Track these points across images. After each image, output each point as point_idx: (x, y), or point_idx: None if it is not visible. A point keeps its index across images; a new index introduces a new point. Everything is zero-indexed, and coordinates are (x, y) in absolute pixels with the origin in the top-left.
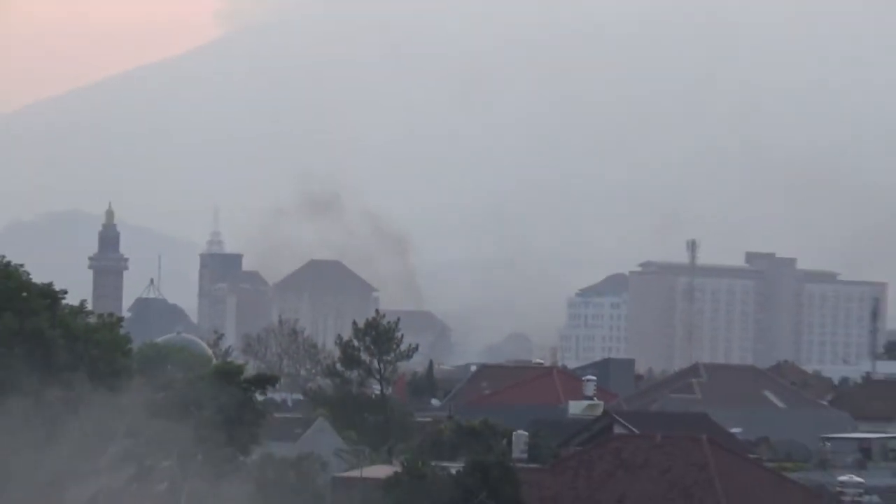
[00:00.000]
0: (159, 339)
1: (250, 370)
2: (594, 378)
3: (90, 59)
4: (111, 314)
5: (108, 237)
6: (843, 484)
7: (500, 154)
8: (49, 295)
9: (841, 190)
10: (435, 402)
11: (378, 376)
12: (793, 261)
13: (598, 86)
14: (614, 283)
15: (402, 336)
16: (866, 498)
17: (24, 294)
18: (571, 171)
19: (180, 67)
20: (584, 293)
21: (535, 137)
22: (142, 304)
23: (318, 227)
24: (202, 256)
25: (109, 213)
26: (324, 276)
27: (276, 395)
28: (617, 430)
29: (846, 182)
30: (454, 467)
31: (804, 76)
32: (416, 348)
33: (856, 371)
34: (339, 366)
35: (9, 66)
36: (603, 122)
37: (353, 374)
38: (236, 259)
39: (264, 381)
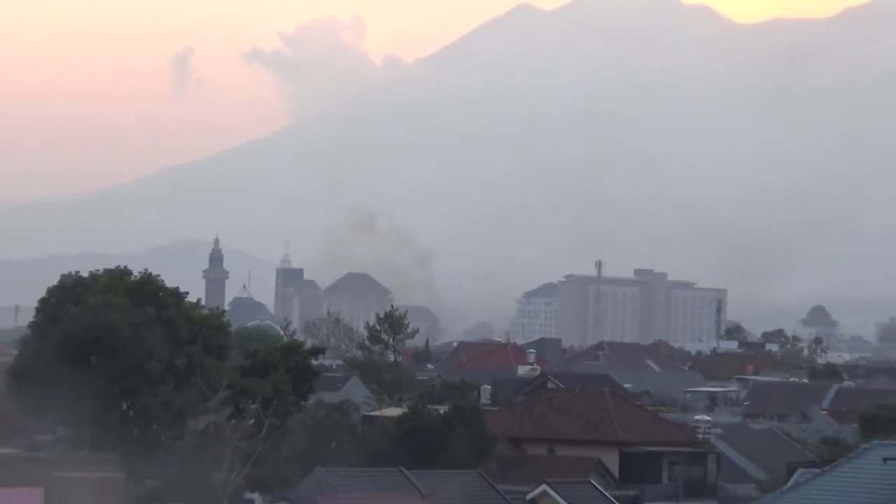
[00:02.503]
0: (248, 325)
1: (308, 345)
2: (534, 351)
3: (204, 140)
4: (217, 307)
5: (216, 257)
6: (697, 421)
7: (485, 199)
8: (176, 295)
9: (702, 227)
10: (430, 367)
11: (392, 349)
12: (664, 274)
13: (550, 154)
14: (548, 289)
15: (409, 323)
16: (713, 430)
17: (160, 293)
18: (530, 212)
19: (267, 144)
20: (528, 295)
21: (507, 188)
22: (237, 302)
23: (362, 244)
24: (277, 270)
25: (216, 241)
26: (357, 282)
27: (325, 361)
28: (549, 385)
29: (706, 221)
30: (442, 409)
31: (697, 146)
32: (417, 331)
33: (706, 347)
34: (366, 342)
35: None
36: (555, 177)
37: (376, 348)
38: (299, 272)
39: (316, 351)
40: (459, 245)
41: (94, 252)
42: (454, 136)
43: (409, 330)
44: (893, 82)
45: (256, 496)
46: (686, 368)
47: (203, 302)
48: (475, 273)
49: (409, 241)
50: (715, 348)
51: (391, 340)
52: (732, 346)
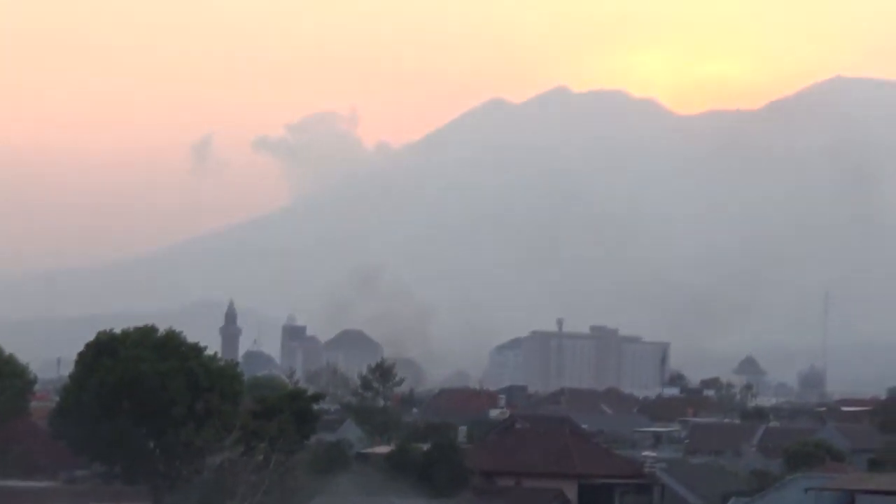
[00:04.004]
0: (258, 375)
1: (310, 392)
2: (504, 396)
3: (221, 214)
4: (232, 360)
5: (231, 316)
6: (644, 456)
7: (463, 263)
8: (196, 349)
9: (650, 287)
10: (415, 410)
11: (382, 396)
12: (616, 330)
13: (521, 223)
14: (516, 343)
15: (396, 373)
16: (658, 464)
17: (182, 348)
18: (503, 274)
19: (275, 218)
20: (499, 348)
21: (482, 252)
22: (249, 355)
23: (360, 302)
24: (283, 327)
25: (231, 302)
26: (352, 337)
27: (325, 406)
28: (517, 426)
29: (655, 281)
30: (425, 447)
31: (648, 216)
32: (404, 379)
33: (652, 393)
34: (360, 389)
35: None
36: (528, 243)
37: (368, 394)
38: (303, 329)
39: (317, 397)
40: (443, 302)
41: (126, 312)
42: (437, 209)
43: (397, 379)
44: (815, 164)
45: None
46: (635, 411)
47: (220, 355)
48: (455, 327)
49: (407, 298)
50: (660, 394)
51: (381, 388)
52: (675, 392)
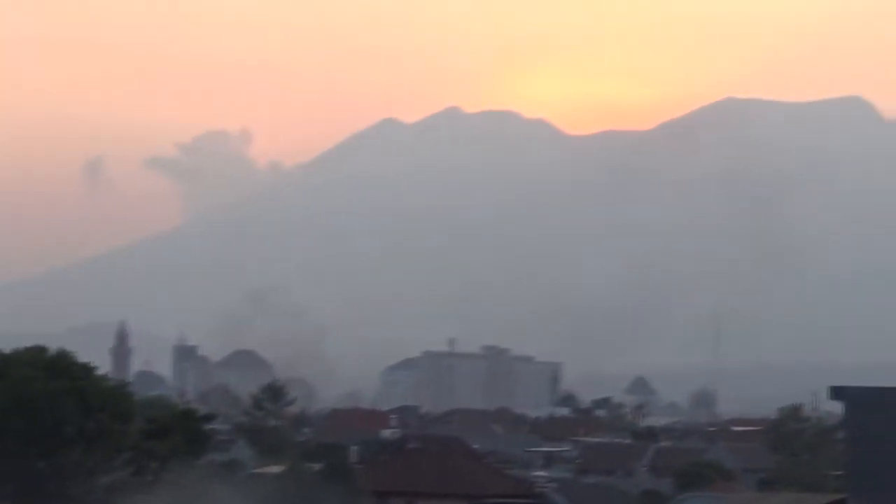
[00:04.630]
0: (150, 395)
1: (201, 412)
2: (396, 416)
3: (112, 234)
4: (122, 380)
5: (121, 336)
6: (536, 476)
7: (357, 282)
8: (87, 369)
9: (544, 308)
10: (306, 430)
11: (273, 415)
12: (508, 350)
13: (415, 244)
14: (408, 363)
15: (288, 392)
16: (549, 484)
17: (73, 368)
18: (399, 294)
19: (166, 238)
20: (391, 368)
21: (376, 274)
22: (140, 375)
23: (254, 322)
24: (174, 347)
25: (121, 323)
26: (243, 357)
27: (216, 426)
28: (409, 446)
29: (550, 303)
30: (317, 466)
31: (542, 238)
32: (296, 399)
33: (544, 413)
34: (251, 409)
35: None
36: (421, 263)
37: (260, 414)
38: (194, 349)
39: (208, 417)
40: (337, 321)
41: (15, 332)
42: (330, 229)
43: (289, 398)
44: (708, 184)
45: None
46: (526, 431)
47: (110, 375)
48: (348, 347)
49: (300, 317)
50: (551, 414)
51: (273, 408)
52: (566, 412)
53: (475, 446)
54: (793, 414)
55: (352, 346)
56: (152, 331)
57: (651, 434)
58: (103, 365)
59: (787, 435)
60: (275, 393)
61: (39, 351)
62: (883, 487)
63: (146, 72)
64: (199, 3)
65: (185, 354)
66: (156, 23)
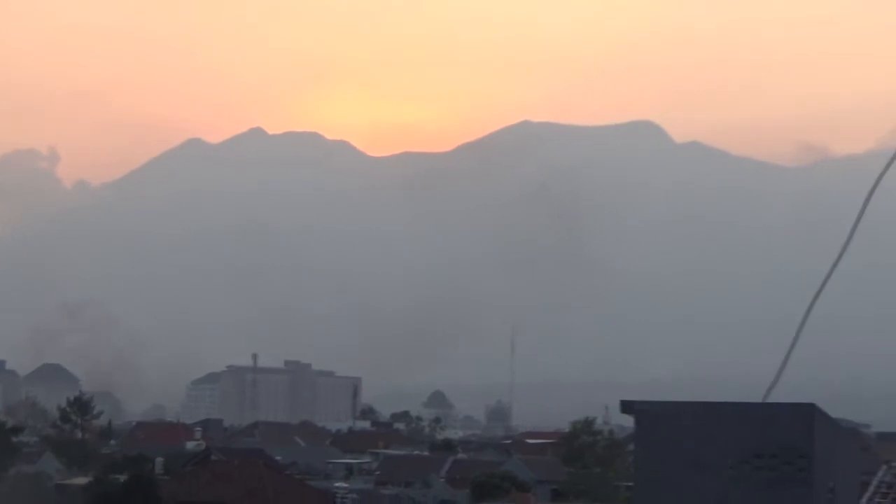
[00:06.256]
0: None
1: (9, 425)
2: (200, 429)
3: None
4: None
5: None
6: (337, 488)
7: (170, 296)
8: None
9: (348, 324)
10: (112, 442)
11: (80, 428)
12: (309, 364)
13: (220, 256)
14: (212, 377)
15: (94, 406)
16: (349, 495)
17: None
18: (203, 310)
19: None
20: (195, 382)
21: (186, 288)
22: None
23: (63, 336)
24: None
25: None
26: (51, 371)
27: (24, 438)
28: (213, 457)
29: (355, 318)
30: (122, 478)
31: (348, 257)
32: (102, 412)
33: (344, 426)
34: (58, 422)
35: None
36: (225, 280)
37: (66, 426)
38: (2, 363)
39: (16, 430)
40: (142, 335)
41: None
42: (137, 245)
43: (95, 411)
44: (506, 204)
45: None
46: (327, 444)
47: None
48: (153, 361)
49: (107, 332)
50: (351, 427)
51: (79, 420)
52: (366, 425)
53: (277, 458)
54: (585, 427)
55: (157, 360)
56: None
57: (448, 446)
58: None
59: (579, 447)
60: (82, 406)
61: None
62: (670, 497)
63: None
64: (7, 29)
65: None
66: None
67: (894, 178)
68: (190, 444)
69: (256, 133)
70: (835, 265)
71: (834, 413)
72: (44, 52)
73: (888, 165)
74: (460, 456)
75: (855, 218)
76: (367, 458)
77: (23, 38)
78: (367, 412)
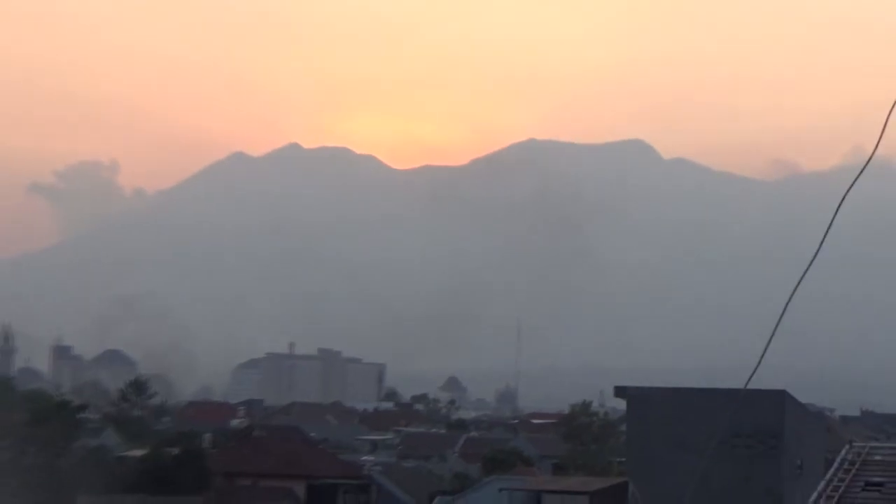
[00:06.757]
0: (30, 388)
1: (75, 403)
2: (244, 408)
3: None
4: (5, 375)
5: (7, 337)
6: (363, 461)
7: (215, 290)
8: None
9: (374, 315)
10: (166, 419)
11: (138, 406)
12: (340, 352)
13: (263, 257)
14: (254, 363)
15: (150, 387)
16: (375, 467)
17: None
18: (248, 303)
19: (42, 255)
20: (240, 367)
21: (233, 282)
22: (22, 372)
23: (123, 325)
24: (52, 347)
25: (6, 325)
26: (113, 355)
27: (88, 415)
28: (255, 433)
29: (379, 311)
30: (175, 451)
31: (373, 257)
32: (157, 393)
33: (370, 406)
34: (118, 401)
35: None
36: (267, 277)
37: (125, 405)
38: (69, 348)
39: (81, 408)
40: (195, 325)
41: None
42: (189, 245)
43: (151, 392)
44: (515, 212)
45: None
46: (356, 422)
47: None
48: (203, 347)
49: (163, 321)
50: (377, 407)
51: (137, 400)
52: (390, 405)
53: (312, 434)
54: (583, 409)
55: (206, 347)
56: (33, 333)
57: (462, 425)
58: None
59: (577, 427)
60: (139, 387)
61: None
62: (658, 472)
63: (28, 105)
64: (76, 54)
65: (62, 353)
66: (33, 58)
67: (859, 193)
68: (234, 422)
69: (293, 147)
70: (806, 270)
71: (803, 398)
72: (107, 74)
73: (853, 183)
74: (472, 434)
75: (823, 226)
76: (390, 435)
77: (89, 61)
78: (391, 394)
